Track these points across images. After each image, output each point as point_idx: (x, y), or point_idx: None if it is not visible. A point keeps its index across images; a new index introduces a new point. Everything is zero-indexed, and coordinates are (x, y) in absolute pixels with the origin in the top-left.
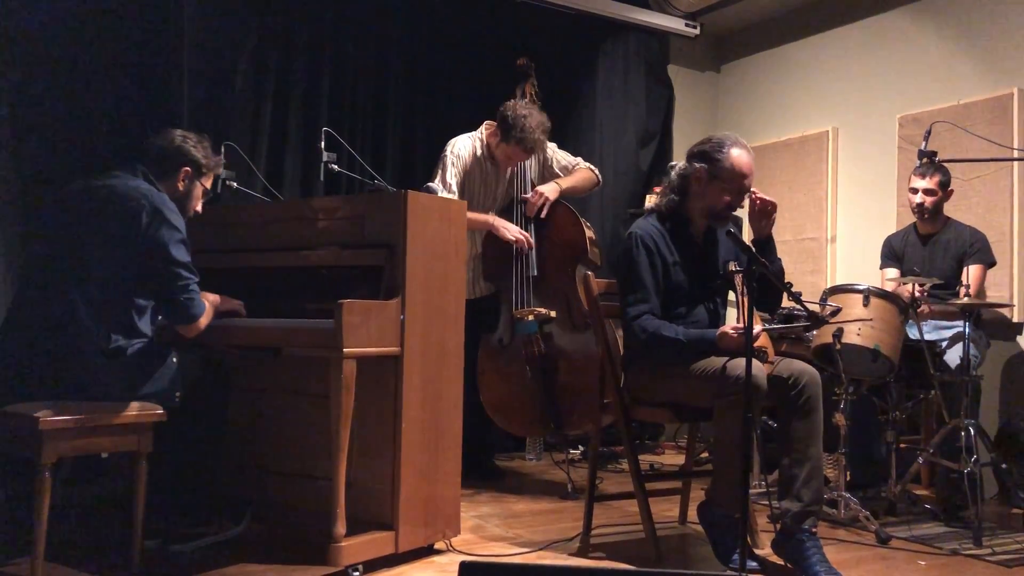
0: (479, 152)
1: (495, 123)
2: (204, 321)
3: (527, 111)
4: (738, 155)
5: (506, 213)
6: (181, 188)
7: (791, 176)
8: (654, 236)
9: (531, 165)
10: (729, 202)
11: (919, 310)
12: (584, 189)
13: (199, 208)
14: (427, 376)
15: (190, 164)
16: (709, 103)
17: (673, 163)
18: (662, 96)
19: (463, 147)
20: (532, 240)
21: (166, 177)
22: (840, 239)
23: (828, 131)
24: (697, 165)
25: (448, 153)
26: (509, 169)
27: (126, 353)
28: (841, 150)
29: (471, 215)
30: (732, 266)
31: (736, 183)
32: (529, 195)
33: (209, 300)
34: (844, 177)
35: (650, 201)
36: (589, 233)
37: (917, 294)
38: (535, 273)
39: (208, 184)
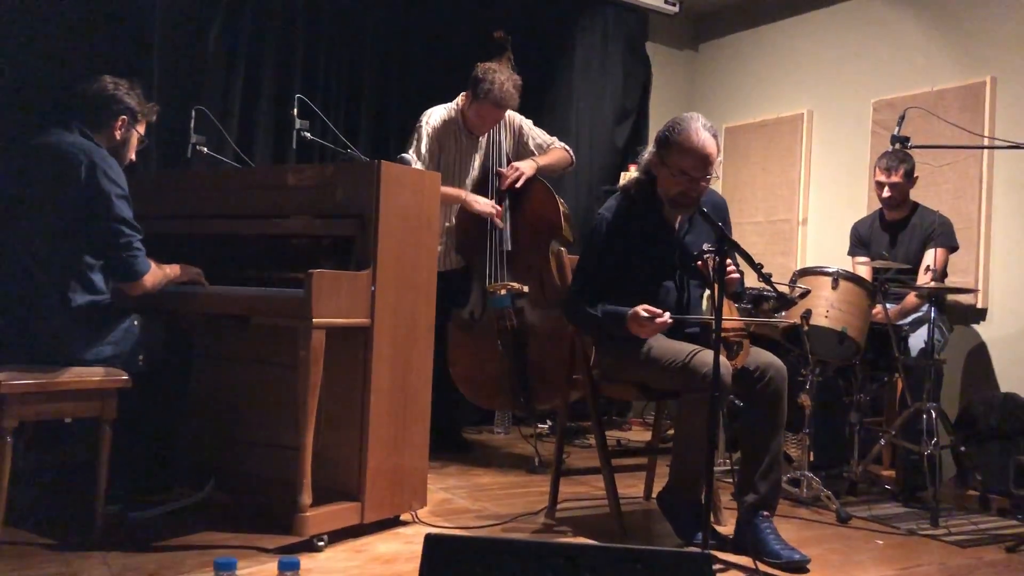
0: (454, 124)
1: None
2: (150, 280)
3: (498, 68)
4: (686, 137)
5: (481, 187)
6: (118, 137)
7: (765, 157)
8: (620, 216)
9: (506, 139)
10: (682, 189)
11: (874, 312)
12: (559, 169)
13: (134, 156)
14: (397, 348)
15: (126, 112)
16: (686, 81)
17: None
18: (639, 73)
19: (438, 118)
20: (506, 214)
21: (102, 127)
22: (812, 221)
23: (803, 113)
24: (652, 149)
25: (423, 124)
26: (484, 140)
27: (85, 308)
28: (815, 133)
29: (444, 189)
30: (705, 251)
31: (682, 167)
32: (504, 169)
33: (167, 271)
34: (817, 160)
35: (624, 179)
36: (563, 209)
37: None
38: (509, 248)
39: (142, 130)
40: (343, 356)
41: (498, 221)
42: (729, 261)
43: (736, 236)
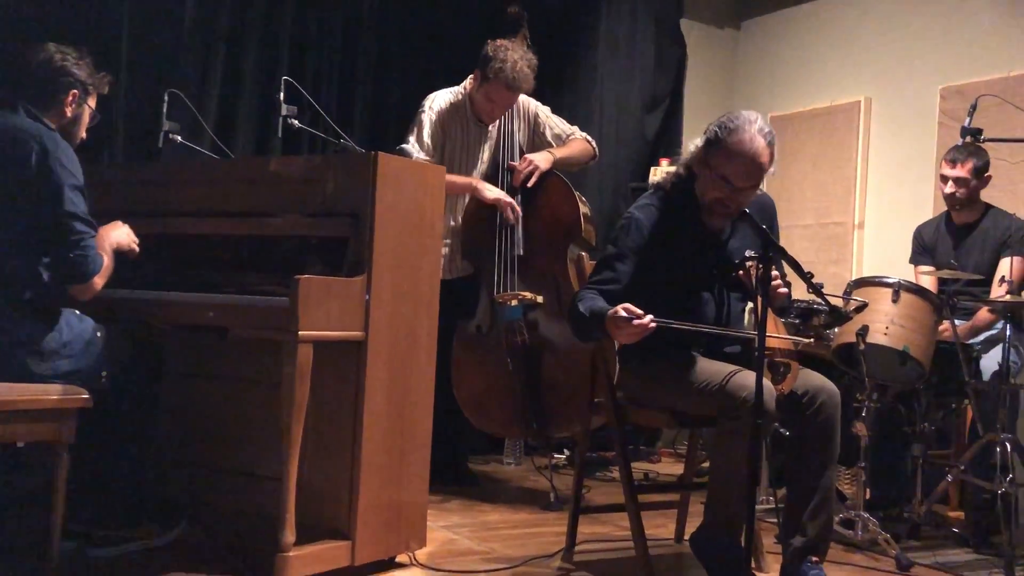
0: (461, 110)
1: None
2: (100, 281)
3: (512, 46)
4: (737, 140)
5: (491, 183)
6: (69, 114)
7: (816, 151)
8: (653, 219)
9: (520, 128)
10: (719, 198)
11: (940, 329)
12: (579, 161)
13: (85, 134)
14: (394, 366)
15: (76, 85)
16: (726, 64)
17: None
18: (673, 55)
19: (443, 103)
20: (519, 209)
21: (52, 104)
22: (869, 225)
23: (860, 101)
24: (698, 143)
25: (425, 110)
26: (495, 130)
27: (38, 314)
28: (874, 124)
29: (449, 177)
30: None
31: (725, 173)
32: (517, 163)
33: (112, 238)
34: (876, 155)
35: (655, 175)
36: (584, 209)
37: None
38: (521, 252)
39: (93, 104)
40: (333, 374)
41: (510, 215)
42: (775, 270)
43: (783, 241)
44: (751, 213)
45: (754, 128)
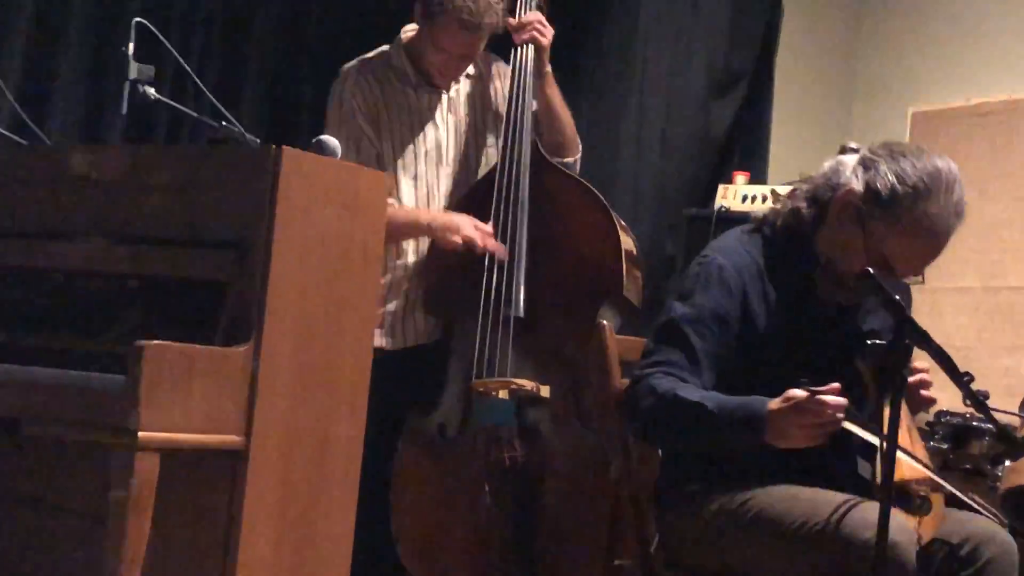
0: (398, 75)
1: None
2: None
3: None
4: (934, 215)
5: (463, 188)
6: None
7: (983, 169)
8: (749, 272)
9: (498, 91)
10: (867, 272)
11: None
12: (566, 134)
13: None
14: (291, 488)
15: None
16: (843, 26)
17: (853, 146)
18: (761, 7)
19: (368, 71)
20: (517, 235)
21: None
22: None
23: None
24: (855, 185)
25: (341, 88)
26: (460, 96)
27: None
28: None
29: (391, 211)
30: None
31: (894, 253)
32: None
33: None
34: None
35: (724, 197)
36: (628, 246)
37: None
38: (520, 313)
39: None
40: (192, 499)
41: (494, 246)
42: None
43: (926, 315)
44: (876, 279)
45: (954, 196)
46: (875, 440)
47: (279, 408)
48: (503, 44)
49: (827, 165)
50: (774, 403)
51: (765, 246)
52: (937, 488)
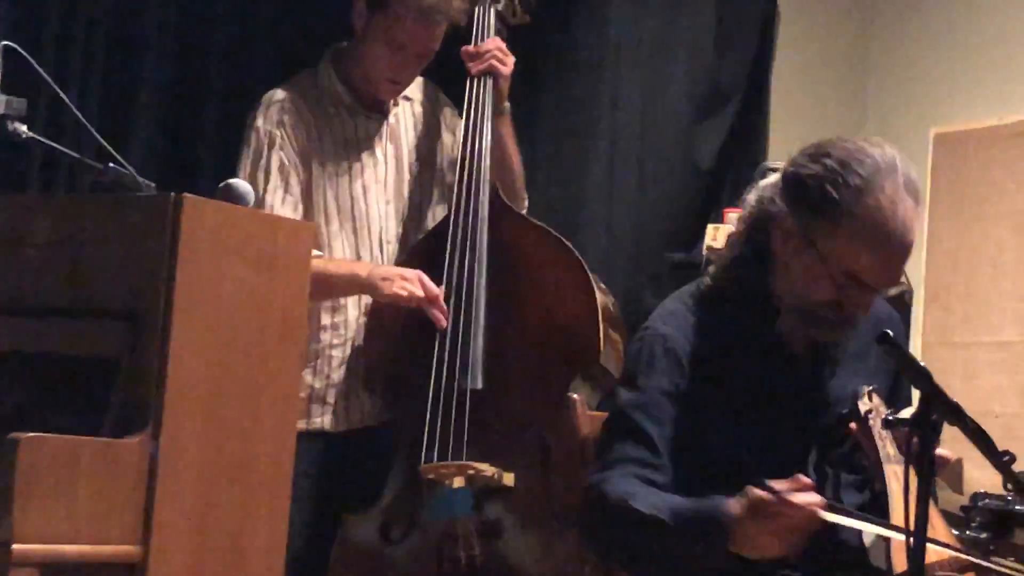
0: (330, 97)
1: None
2: None
3: None
4: (873, 209)
5: (412, 235)
6: None
7: (1020, 202)
8: (694, 341)
9: (444, 119)
10: (834, 298)
11: None
12: (516, 184)
13: None
14: None
15: None
16: (850, 36)
17: (772, 166)
18: (753, 14)
19: (292, 96)
20: (474, 292)
21: None
22: None
23: None
24: (785, 207)
25: (262, 117)
26: (403, 118)
27: None
28: None
29: (318, 264)
30: (866, 400)
31: (852, 266)
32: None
33: None
34: None
35: (713, 238)
36: (604, 302)
37: None
38: (477, 384)
39: None
40: None
41: (438, 315)
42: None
43: (958, 376)
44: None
45: (898, 181)
46: (866, 527)
47: (183, 511)
48: (456, 76)
49: (751, 197)
50: (735, 505)
51: (714, 306)
52: (965, 570)
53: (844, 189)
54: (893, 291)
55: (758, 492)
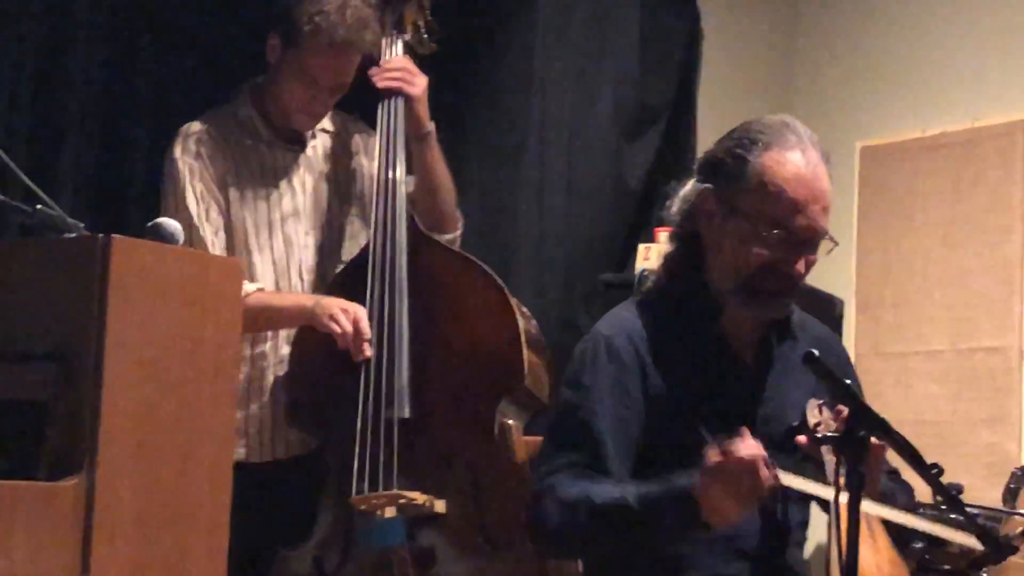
0: (248, 132)
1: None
2: None
3: None
4: (777, 158)
5: (350, 289)
6: None
7: (946, 211)
8: (637, 342)
9: (361, 149)
10: (768, 259)
11: None
12: (448, 209)
13: None
14: None
15: None
16: (776, 54)
17: (681, 184)
18: (677, 33)
19: (210, 130)
20: (396, 325)
21: None
22: None
23: None
24: (703, 186)
25: (183, 146)
26: (319, 149)
27: None
28: None
29: (251, 299)
30: (815, 412)
31: (772, 214)
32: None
33: None
34: None
35: (646, 258)
36: (526, 325)
37: None
38: (405, 413)
39: None
40: None
41: (363, 348)
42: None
43: (890, 387)
44: (814, 355)
45: (799, 135)
46: (823, 492)
47: (121, 553)
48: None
49: (675, 205)
50: (696, 477)
51: (656, 310)
52: None
53: (752, 147)
54: (825, 251)
55: (709, 455)
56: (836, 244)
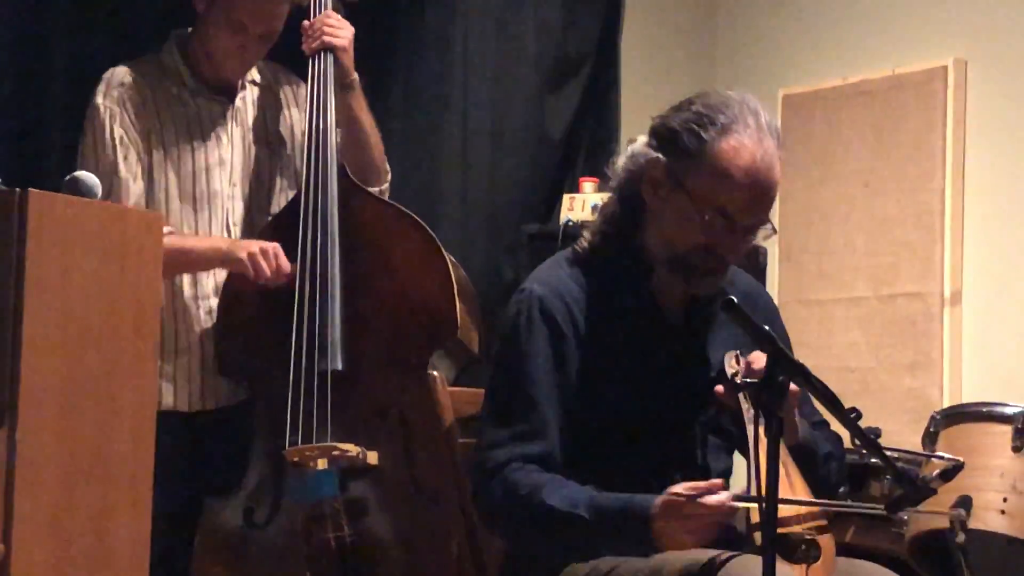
0: (172, 77)
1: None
2: None
3: None
4: (735, 144)
5: (281, 239)
6: None
7: (867, 158)
8: (570, 302)
9: (291, 100)
10: (706, 243)
11: None
12: (375, 160)
13: None
14: None
15: None
16: (701, 2)
17: (634, 139)
18: None
19: (133, 77)
20: (328, 283)
21: None
22: (971, 299)
23: (946, 67)
24: (654, 154)
25: (102, 99)
26: (248, 101)
27: None
28: (973, 107)
29: (171, 241)
30: (732, 363)
31: (720, 201)
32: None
33: None
34: (976, 164)
35: (569, 210)
36: (457, 277)
37: None
38: (338, 366)
39: None
40: None
41: (271, 275)
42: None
43: (814, 334)
44: (734, 302)
45: (758, 119)
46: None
47: (44, 506)
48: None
49: (621, 160)
50: (656, 506)
51: (589, 268)
52: (824, 530)
53: (710, 127)
54: (760, 238)
55: (673, 495)
56: (775, 232)
